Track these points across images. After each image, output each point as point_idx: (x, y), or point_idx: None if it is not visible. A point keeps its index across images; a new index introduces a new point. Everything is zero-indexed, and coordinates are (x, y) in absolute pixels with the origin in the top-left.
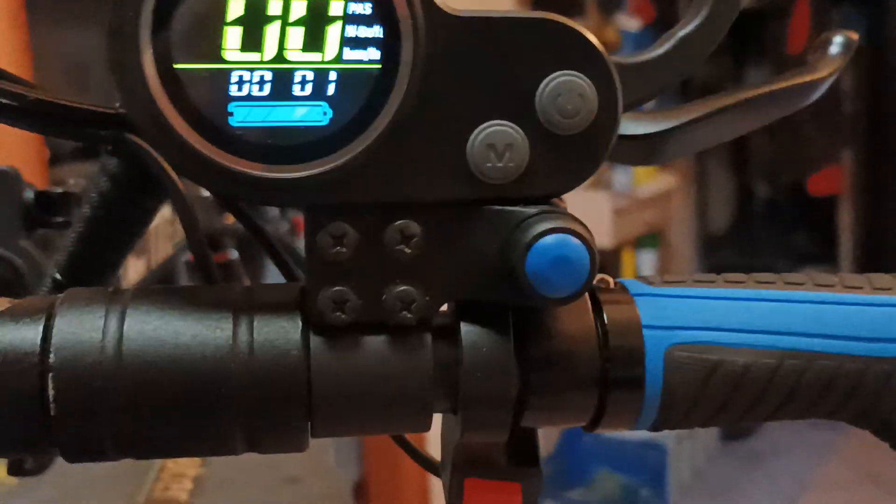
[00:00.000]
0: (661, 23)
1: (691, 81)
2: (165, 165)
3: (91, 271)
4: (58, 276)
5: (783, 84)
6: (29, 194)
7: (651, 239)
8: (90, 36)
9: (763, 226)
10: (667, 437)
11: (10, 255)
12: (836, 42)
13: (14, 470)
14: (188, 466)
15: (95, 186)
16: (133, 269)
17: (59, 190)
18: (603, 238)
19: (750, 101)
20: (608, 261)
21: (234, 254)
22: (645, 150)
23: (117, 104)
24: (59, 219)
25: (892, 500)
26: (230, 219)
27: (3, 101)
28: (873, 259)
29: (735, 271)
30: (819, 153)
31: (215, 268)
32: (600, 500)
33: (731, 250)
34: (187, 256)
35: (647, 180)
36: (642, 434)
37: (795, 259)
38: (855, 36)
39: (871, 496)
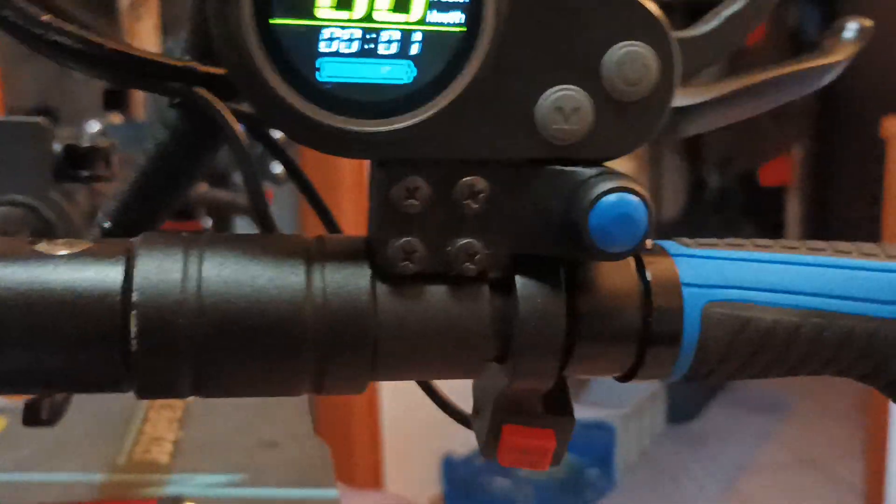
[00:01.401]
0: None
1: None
2: (232, 119)
3: (140, 220)
4: (106, 224)
5: (801, 66)
6: (57, 147)
7: None
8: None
9: (714, 214)
10: (614, 417)
11: (40, 205)
12: (851, 28)
13: (29, 419)
14: (167, 430)
15: (153, 138)
16: None
17: (87, 144)
18: None
19: (771, 81)
20: None
21: (207, 222)
22: (674, 123)
23: (187, 57)
24: (86, 173)
25: (826, 482)
26: (202, 188)
27: (83, 49)
28: None
29: None
30: (771, 144)
31: (273, 218)
32: (548, 478)
33: (682, 237)
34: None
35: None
36: (590, 414)
37: None
38: (869, 23)
39: (808, 478)
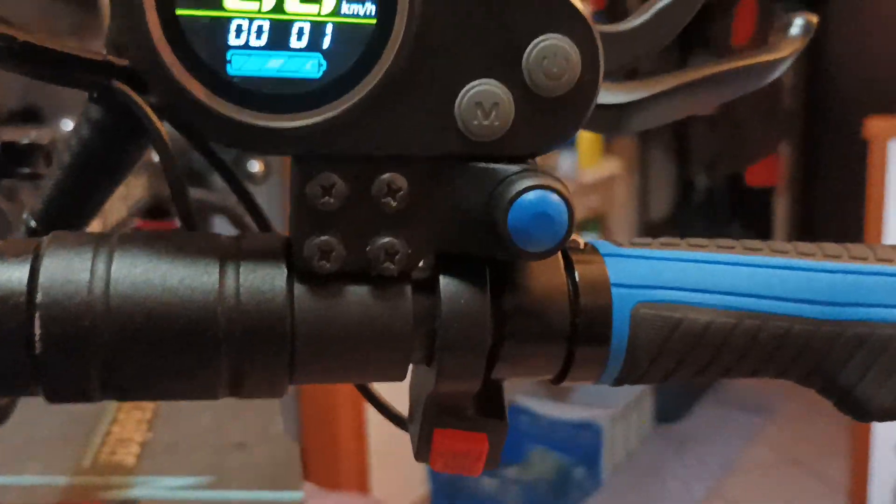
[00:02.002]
0: (611, 10)
1: (638, 72)
2: (151, 114)
3: (67, 219)
4: (33, 223)
5: (746, 62)
6: None
7: (592, 224)
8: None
9: (701, 215)
10: (601, 417)
11: None
12: (797, 24)
13: None
14: (135, 431)
15: (76, 133)
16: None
17: (26, 141)
18: None
19: (715, 76)
20: None
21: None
22: (616, 119)
23: (104, 51)
24: (26, 170)
25: (810, 481)
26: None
27: None
28: None
29: None
30: (757, 145)
31: (195, 215)
32: (535, 478)
33: (669, 237)
34: (134, 223)
35: (592, 165)
36: (577, 414)
37: None
38: (815, 19)
39: (792, 478)
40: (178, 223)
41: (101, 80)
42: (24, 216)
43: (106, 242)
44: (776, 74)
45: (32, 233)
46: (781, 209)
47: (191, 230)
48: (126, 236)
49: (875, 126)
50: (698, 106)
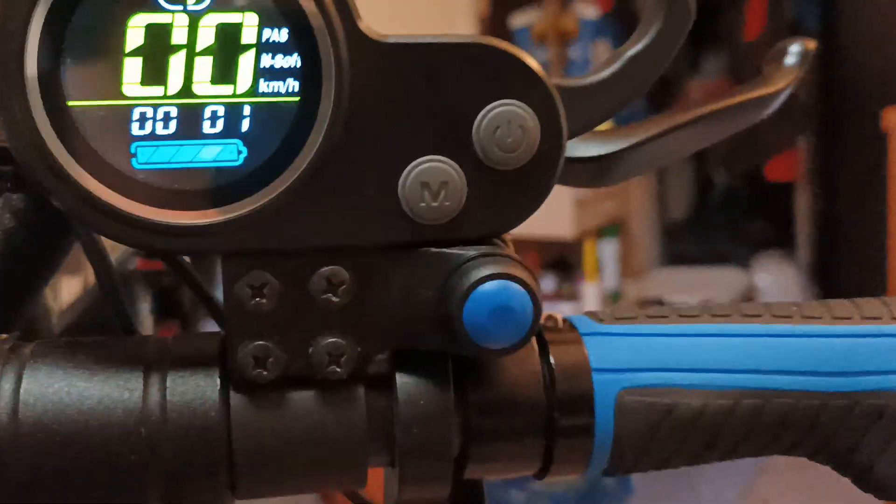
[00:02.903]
0: (620, 10)
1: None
2: None
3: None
4: None
5: (739, 99)
6: None
7: (612, 228)
8: None
9: (721, 212)
10: None
11: None
12: (793, 52)
13: None
14: None
15: None
16: (67, 289)
17: None
18: (565, 229)
19: (705, 117)
20: (570, 252)
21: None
22: (596, 172)
23: None
24: None
25: (844, 484)
26: None
27: None
28: (829, 244)
29: (695, 257)
30: (775, 140)
31: (131, 316)
32: (564, 489)
33: (690, 237)
34: (135, 263)
35: None
36: None
37: (753, 245)
38: (812, 45)
39: (827, 478)
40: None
41: (10, 170)
42: None
43: (16, 357)
44: (773, 108)
45: None
46: (803, 204)
47: (128, 334)
48: (43, 347)
49: (893, 117)
50: (688, 148)
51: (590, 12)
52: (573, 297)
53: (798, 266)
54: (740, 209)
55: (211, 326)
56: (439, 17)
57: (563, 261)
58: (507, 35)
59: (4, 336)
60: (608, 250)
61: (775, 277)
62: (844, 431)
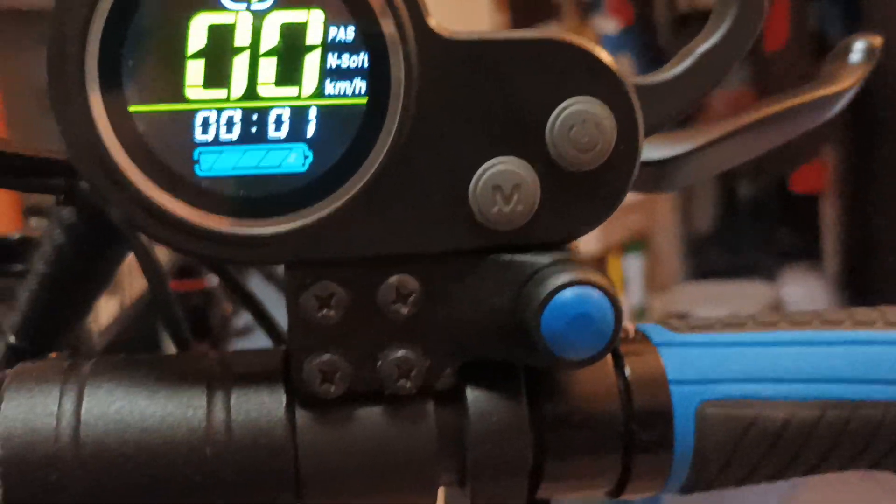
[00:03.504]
0: (640, 24)
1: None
2: None
3: (49, 333)
4: (12, 339)
5: (803, 99)
6: None
7: (637, 243)
8: None
9: (748, 224)
10: None
11: None
12: (857, 49)
13: None
14: None
15: (49, 240)
16: (104, 311)
17: (17, 236)
18: (589, 244)
19: (769, 118)
20: (595, 267)
21: (213, 280)
22: (658, 177)
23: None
24: (19, 267)
25: (888, 496)
26: None
27: None
28: (858, 255)
29: (721, 271)
30: (801, 151)
31: (189, 332)
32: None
33: (716, 250)
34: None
35: None
36: None
37: (780, 257)
38: (878, 41)
39: (869, 492)
40: (208, 282)
41: (65, 181)
42: (6, 331)
43: (76, 375)
44: (839, 108)
45: (14, 351)
46: (830, 215)
47: (183, 349)
48: (101, 363)
49: None
50: (752, 152)
51: (609, 27)
52: None
53: (826, 278)
54: (766, 221)
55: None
56: None
57: None
58: None
59: (54, 354)
60: (633, 265)
61: (803, 290)
62: None
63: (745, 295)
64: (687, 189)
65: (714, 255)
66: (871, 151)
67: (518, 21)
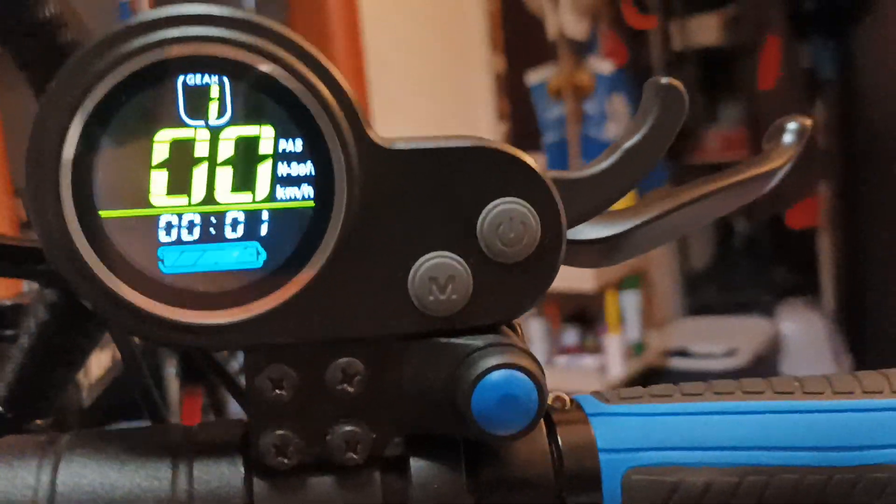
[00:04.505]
0: (634, 65)
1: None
2: None
3: (35, 402)
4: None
5: (740, 177)
6: None
7: (633, 280)
8: None
9: (744, 261)
10: None
11: None
12: (790, 129)
13: None
14: None
15: (34, 317)
16: (96, 364)
17: (9, 302)
18: (586, 281)
19: (708, 195)
20: (591, 304)
21: None
22: (604, 253)
23: None
24: (11, 332)
25: None
26: None
27: None
28: (854, 290)
29: (718, 307)
30: (795, 187)
31: (161, 404)
32: None
33: (712, 287)
34: None
35: None
36: None
37: (777, 293)
38: (808, 122)
39: None
40: None
41: (45, 268)
42: None
43: (52, 449)
44: (773, 184)
45: (0, 420)
46: (826, 250)
47: (155, 419)
48: (77, 438)
49: None
50: (691, 226)
51: (604, 67)
52: (596, 350)
53: (823, 313)
54: (762, 257)
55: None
56: (457, 76)
57: (584, 313)
58: (524, 92)
59: (39, 421)
60: (630, 302)
61: (801, 325)
62: None
63: (742, 331)
64: None
65: (711, 292)
66: (863, 186)
67: (514, 65)
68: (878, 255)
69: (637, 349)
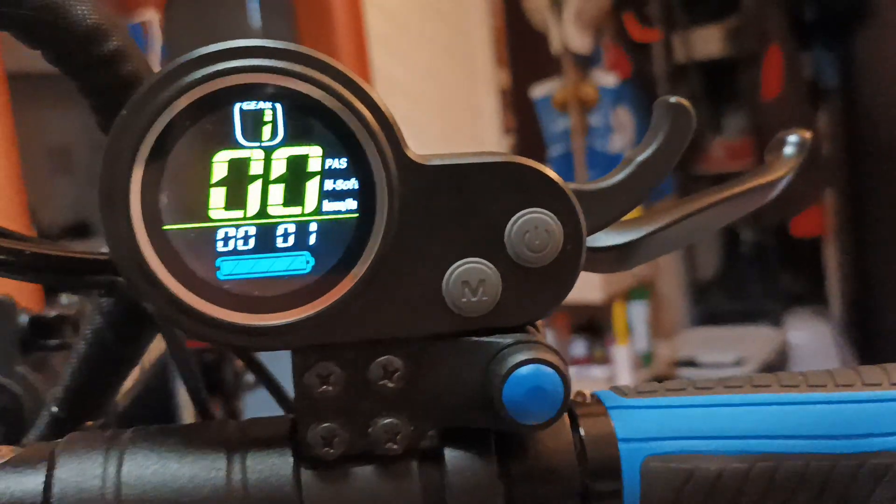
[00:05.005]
0: (638, 77)
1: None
2: None
3: (87, 404)
4: (55, 408)
5: (744, 187)
6: (23, 319)
7: (641, 290)
8: (73, 117)
9: (751, 270)
10: None
11: (7, 382)
12: (791, 142)
13: None
14: None
15: (91, 324)
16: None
17: (53, 314)
18: (594, 293)
19: (714, 204)
20: (600, 315)
21: None
22: (619, 259)
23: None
24: (55, 341)
25: None
26: None
27: (2, 256)
28: (861, 297)
29: (726, 316)
30: (801, 195)
31: (211, 405)
32: None
33: (720, 296)
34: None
35: None
36: None
37: (785, 302)
38: (808, 134)
39: None
40: None
41: (107, 279)
42: (48, 402)
43: (117, 444)
44: (775, 193)
45: (56, 420)
46: (832, 258)
47: (204, 415)
48: (138, 433)
49: None
50: (699, 234)
51: (609, 80)
52: (605, 360)
53: (831, 321)
54: (770, 266)
55: (251, 400)
56: (463, 91)
57: (593, 324)
58: (529, 105)
59: (90, 423)
60: (638, 312)
61: (809, 334)
62: (853, 491)
63: (751, 340)
64: None
65: (719, 301)
66: (868, 193)
67: (519, 79)
68: (884, 263)
69: (645, 359)
